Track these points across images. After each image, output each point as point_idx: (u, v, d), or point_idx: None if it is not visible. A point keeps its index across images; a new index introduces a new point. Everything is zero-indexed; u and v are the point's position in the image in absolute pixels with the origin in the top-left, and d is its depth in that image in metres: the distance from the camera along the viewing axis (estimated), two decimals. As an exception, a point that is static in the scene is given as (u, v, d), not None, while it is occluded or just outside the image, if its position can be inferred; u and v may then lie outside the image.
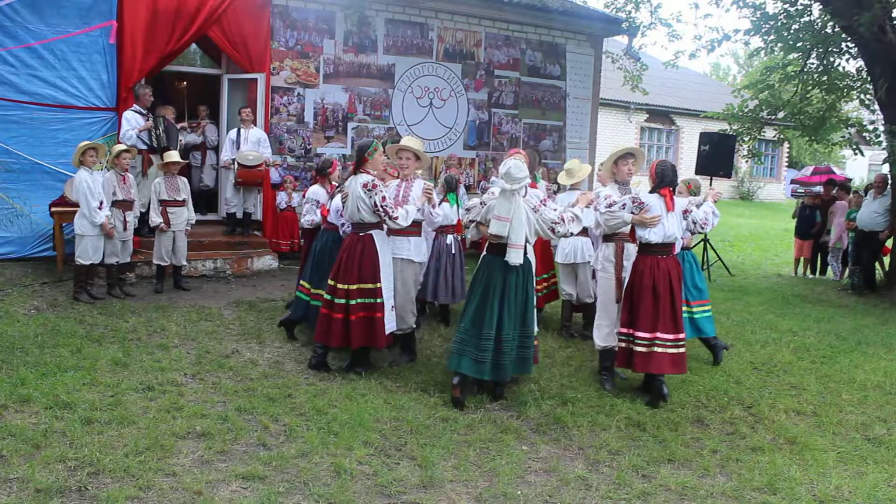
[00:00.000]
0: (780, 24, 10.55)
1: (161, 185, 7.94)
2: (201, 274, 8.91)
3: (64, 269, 8.10)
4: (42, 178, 8.52)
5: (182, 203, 8.04)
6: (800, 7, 10.79)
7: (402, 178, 5.86)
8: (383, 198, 5.36)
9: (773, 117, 12.09)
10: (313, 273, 6.36)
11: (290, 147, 10.38)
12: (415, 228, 5.84)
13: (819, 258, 11.92)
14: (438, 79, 11.51)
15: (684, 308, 5.70)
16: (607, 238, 5.81)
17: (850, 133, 12.46)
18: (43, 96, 8.43)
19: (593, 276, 6.63)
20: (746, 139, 12.38)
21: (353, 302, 5.44)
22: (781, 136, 15.59)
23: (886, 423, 5.23)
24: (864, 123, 11.88)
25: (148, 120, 8.69)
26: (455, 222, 7.14)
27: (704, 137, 12.63)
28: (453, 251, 7.11)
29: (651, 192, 5.38)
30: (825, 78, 11.18)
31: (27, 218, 8.54)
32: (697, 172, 12.27)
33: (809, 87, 11.53)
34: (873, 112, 11.64)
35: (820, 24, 10.81)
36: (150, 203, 8.06)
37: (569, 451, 4.52)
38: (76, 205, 7.41)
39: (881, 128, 10.67)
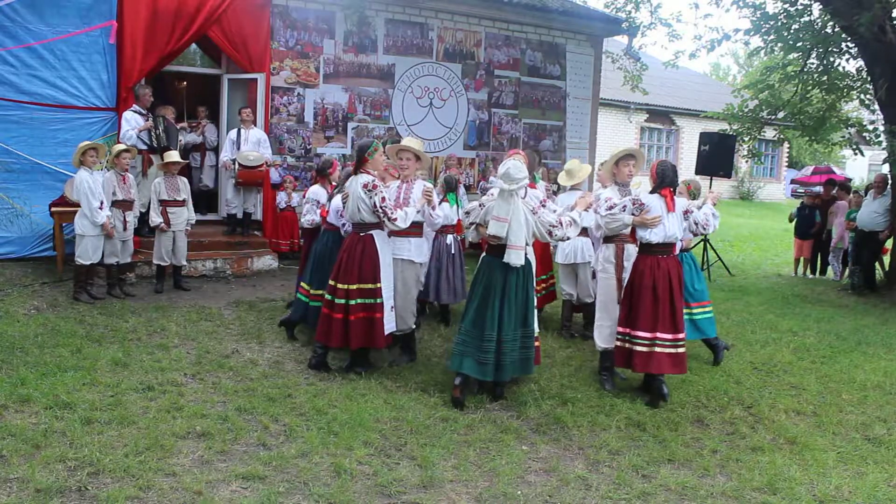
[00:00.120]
0: (780, 24, 10.55)
1: (161, 185, 7.94)
2: (201, 274, 8.91)
3: (64, 269, 8.10)
4: (42, 178, 8.52)
5: (182, 203, 8.04)
6: (800, 7, 10.79)
7: (403, 179, 5.85)
8: (383, 198, 5.36)
9: (773, 117, 12.09)
10: (313, 274, 6.36)
11: (290, 147, 10.39)
12: (416, 229, 5.84)
13: (819, 258, 11.92)
14: (438, 79, 11.51)
15: (684, 310, 5.70)
16: (607, 239, 5.81)
17: (850, 133, 12.46)
18: (43, 96, 8.43)
19: (593, 277, 6.63)
20: (746, 139, 12.38)
21: (352, 302, 5.44)
22: (781, 136, 15.59)
23: (886, 423, 5.23)
24: (864, 123, 11.88)
25: (148, 120, 8.69)
26: (455, 222, 7.15)
27: (704, 137, 12.63)
28: (453, 251, 7.12)
29: (651, 192, 5.38)
30: (825, 78, 11.18)
31: (27, 218, 8.54)
32: (697, 172, 12.27)
33: (809, 87, 11.53)
34: (873, 112, 11.64)
35: (820, 24, 10.81)
36: (150, 203, 8.06)
37: (569, 451, 4.52)
38: (76, 205, 7.41)
39: (881, 128, 10.67)
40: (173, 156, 8.10)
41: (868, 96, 11.25)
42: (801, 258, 11.98)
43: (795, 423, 5.18)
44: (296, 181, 10.11)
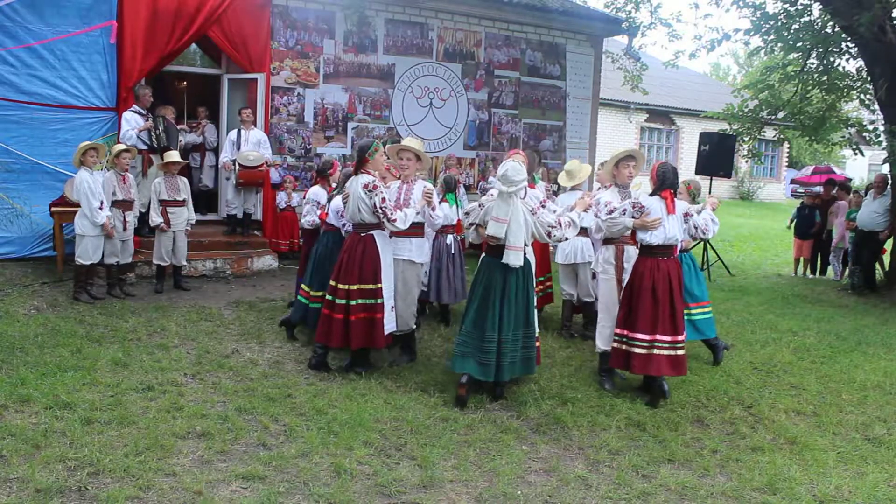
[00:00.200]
0: (780, 24, 10.55)
1: (161, 185, 7.94)
2: (201, 274, 8.91)
3: (64, 269, 8.10)
4: (42, 178, 8.52)
5: (182, 203, 8.04)
6: (800, 7, 10.79)
7: (403, 179, 5.85)
8: (383, 199, 5.36)
9: (773, 117, 12.09)
10: (313, 276, 6.36)
11: (290, 147, 10.39)
12: (417, 229, 5.83)
13: (819, 258, 11.92)
14: (438, 79, 11.51)
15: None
16: (607, 240, 5.81)
17: (850, 133, 12.46)
18: (43, 96, 8.43)
19: (593, 277, 6.63)
20: (746, 139, 12.38)
21: (353, 302, 5.44)
22: (781, 136, 15.59)
23: (886, 423, 5.23)
24: (864, 123, 11.88)
25: (148, 120, 8.69)
26: (455, 222, 7.15)
27: (704, 137, 12.64)
28: (453, 251, 7.12)
29: (652, 194, 5.38)
30: (825, 78, 11.18)
31: (27, 218, 8.54)
32: (697, 172, 12.28)
33: (809, 87, 11.53)
34: (873, 112, 11.64)
35: (820, 24, 10.81)
36: (150, 203, 8.06)
37: (569, 451, 4.52)
38: (76, 205, 7.41)
39: (881, 128, 10.67)
40: (173, 156, 8.10)
41: (868, 96, 11.25)
42: (801, 258, 11.99)
43: (795, 423, 5.18)
44: (296, 181, 10.11)
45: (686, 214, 5.40)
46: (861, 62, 10.96)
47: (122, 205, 7.61)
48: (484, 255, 5.36)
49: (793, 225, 12.09)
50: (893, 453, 4.73)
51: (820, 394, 5.82)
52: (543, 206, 5.28)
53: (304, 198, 7.38)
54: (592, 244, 6.64)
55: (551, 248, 7.57)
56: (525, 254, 5.17)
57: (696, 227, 5.43)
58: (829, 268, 11.79)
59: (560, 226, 5.19)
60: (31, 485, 3.63)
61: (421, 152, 5.90)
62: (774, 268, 12.82)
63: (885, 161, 10.83)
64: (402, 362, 5.93)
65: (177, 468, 3.92)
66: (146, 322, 6.74)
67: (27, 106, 8.36)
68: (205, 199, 10.71)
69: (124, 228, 7.62)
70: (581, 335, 7.01)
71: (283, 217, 10.00)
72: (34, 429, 4.25)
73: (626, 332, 5.35)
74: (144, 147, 8.65)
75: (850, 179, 20.88)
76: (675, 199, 5.38)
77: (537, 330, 5.54)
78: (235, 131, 9.56)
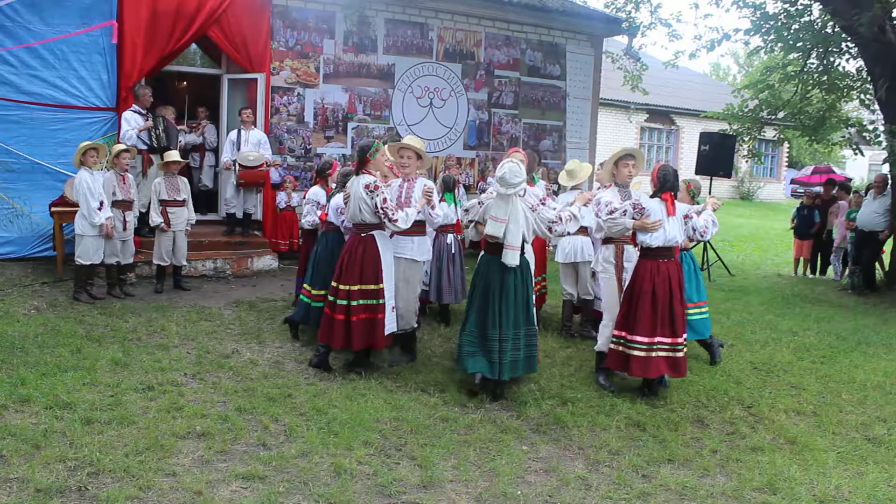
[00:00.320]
0: (780, 23, 10.56)
1: (161, 185, 7.94)
2: (201, 274, 8.91)
3: (64, 269, 8.10)
4: (42, 178, 8.52)
5: (182, 203, 8.04)
6: (800, 7, 10.80)
7: (404, 177, 5.84)
8: (384, 199, 5.36)
9: (773, 117, 12.09)
10: (314, 275, 6.37)
11: (290, 147, 10.39)
12: (418, 227, 5.83)
13: (819, 258, 11.92)
14: (438, 79, 11.51)
15: None
16: (607, 240, 5.82)
17: (850, 133, 12.46)
18: (43, 96, 8.43)
19: (593, 276, 6.63)
20: (746, 139, 12.38)
21: (354, 303, 5.44)
22: (781, 136, 15.60)
23: (886, 423, 5.23)
24: (864, 123, 11.88)
25: (148, 120, 8.69)
26: (454, 221, 7.15)
27: (704, 137, 12.64)
28: (453, 251, 7.12)
29: (652, 196, 5.38)
30: (825, 78, 11.19)
31: (27, 218, 8.54)
32: (697, 172, 12.28)
33: (809, 87, 11.54)
34: (873, 112, 11.65)
35: (820, 24, 10.81)
36: (150, 203, 8.06)
37: (569, 451, 4.52)
38: (76, 205, 7.41)
39: (881, 128, 10.68)
40: (173, 155, 8.10)
41: (868, 96, 11.26)
42: (801, 258, 11.99)
43: (795, 423, 5.18)
44: (296, 181, 10.11)
45: (686, 217, 5.40)
46: (861, 62, 10.96)
47: (122, 205, 7.60)
48: (483, 253, 5.36)
49: (795, 221, 12.09)
50: (893, 453, 4.73)
51: (820, 394, 5.82)
52: (543, 203, 5.28)
53: (304, 198, 7.38)
54: (592, 243, 6.64)
55: (550, 248, 7.57)
56: (523, 253, 5.18)
57: (694, 230, 5.42)
58: (830, 268, 11.79)
59: (561, 220, 5.19)
60: (31, 485, 3.63)
61: (422, 150, 5.89)
62: (774, 268, 12.82)
63: (885, 161, 10.84)
64: (402, 362, 5.93)
65: (177, 468, 3.92)
66: (146, 322, 6.74)
67: (27, 106, 8.36)
68: (205, 199, 10.71)
69: (124, 228, 7.62)
70: (581, 335, 7.01)
71: (283, 217, 10.00)
72: (34, 429, 4.25)
73: (624, 335, 5.35)
74: (144, 147, 8.65)
75: (850, 179, 20.89)
76: (676, 201, 5.38)
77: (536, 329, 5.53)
78: (235, 131, 9.56)
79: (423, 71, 11.35)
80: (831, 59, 11.19)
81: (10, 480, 3.67)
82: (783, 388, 5.91)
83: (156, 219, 7.88)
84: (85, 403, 4.66)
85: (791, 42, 10.73)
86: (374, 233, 5.51)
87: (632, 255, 5.63)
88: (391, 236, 5.71)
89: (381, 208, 5.33)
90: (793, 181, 28.36)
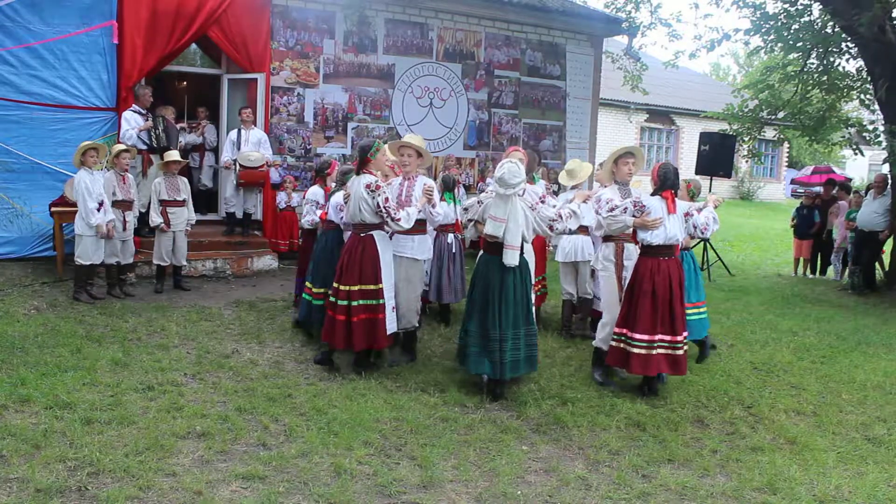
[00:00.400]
0: (780, 24, 10.56)
1: (161, 185, 7.94)
2: (201, 274, 8.91)
3: (64, 269, 8.10)
4: (42, 178, 8.52)
5: (182, 203, 8.04)
6: (800, 7, 10.80)
7: (405, 176, 5.84)
8: (386, 199, 5.36)
9: (773, 117, 12.09)
10: (314, 274, 6.38)
11: (290, 147, 10.39)
12: (419, 226, 5.83)
13: (819, 258, 11.92)
14: (438, 79, 11.51)
15: None
16: (607, 238, 5.82)
17: (850, 133, 12.46)
18: (43, 96, 8.44)
19: (592, 275, 6.63)
20: (746, 139, 12.39)
21: (354, 303, 5.44)
22: (781, 136, 15.60)
23: (886, 423, 5.23)
24: (864, 123, 11.89)
25: (148, 120, 8.69)
26: (454, 221, 7.14)
27: (704, 137, 12.64)
28: (454, 250, 7.12)
29: (653, 194, 5.38)
30: (825, 78, 11.19)
31: (27, 218, 8.54)
32: (697, 172, 12.28)
33: (809, 87, 11.54)
34: (873, 112, 11.65)
35: (820, 24, 10.81)
36: (150, 203, 8.06)
37: (569, 451, 4.52)
38: (76, 205, 7.40)
39: (881, 128, 10.68)
40: (173, 155, 8.10)
41: (868, 96, 11.26)
42: (801, 258, 11.99)
43: (795, 423, 5.17)
44: (296, 181, 10.11)
45: (687, 214, 5.40)
46: (861, 62, 10.96)
47: (122, 205, 7.60)
48: (482, 253, 5.36)
49: (793, 225, 12.09)
50: (893, 453, 4.73)
51: (820, 394, 5.82)
52: (543, 202, 5.28)
53: (304, 198, 7.38)
54: (592, 242, 6.64)
55: (551, 248, 7.56)
56: (522, 253, 5.17)
57: (695, 227, 5.42)
58: (830, 268, 11.79)
59: (561, 218, 5.19)
60: (31, 485, 3.63)
61: (422, 148, 5.88)
62: (774, 268, 12.83)
63: (885, 161, 10.84)
64: (402, 362, 5.92)
65: (177, 468, 3.92)
66: (146, 322, 6.74)
67: (27, 106, 8.36)
68: (204, 199, 10.71)
69: (124, 228, 7.62)
70: (582, 336, 7.01)
71: (282, 217, 10.00)
72: (34, 429, 4.25)
73: (625, 332, 5.36)
74: (144, 147, 8.65)
75: (850, 179, 20.89)
76: (676, 199, 5.39)
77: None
78: (235, 131, 9.56)
79: (423, 71, 11.35)
80: (831, 59, 11.20)
81: (10, 480, 3.67)
82: (783, 388, 5.91)
83: (156, 219, 7.88)
84: (85, 403, 4.66)
85: (791, 42, 10.73)
86: (374, 233, 5.50)
87: (632, 253, 5.63)
88: (391, 236, 5.71)
89: (384, 208, 5.33)
90: (793, 181, 28.37)
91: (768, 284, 10.82)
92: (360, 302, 5.44)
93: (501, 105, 12.15)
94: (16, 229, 8.51)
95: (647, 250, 5.35)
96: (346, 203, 5.75)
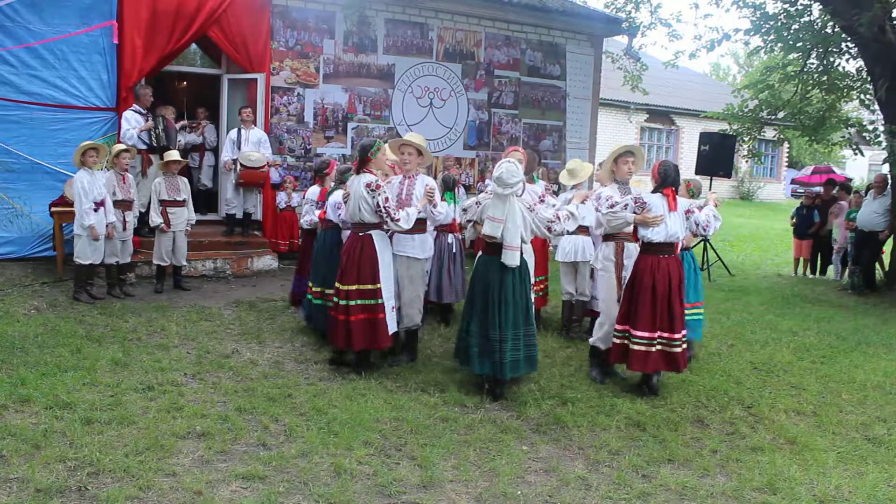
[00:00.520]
0: (780, 24, 10.56)
1: (161, 185, 7.94)
2: (201, 274, 8.91)
3: (64, 269, 8.10)
4: (42, 178, 8.53)
5: (182, 203, 8.04)
6: (800, 7, 10.80)
7: (405, 175, 5.84)
8: (386, 199, 5.36)
9: (773, 117, 12.10)
10: (315, 273, 6.39)
11: (290, 147, 10.39)
12: (419, 225, 5.83)
13: (819, 258, 11.92)
14: (438, 79, 11.51)
15: None
16: (607, 237, 5.82)
17: (850, 133, 12.46)
18: (43, 96, 8.44)
19: (591, 276, 6.62)
20: (746, 139, 12.39)
21: (352, 303, 5.44)
22: (781, 136, 15.60)
23: (886, 423, 5.23)
24: (864, 123, 11.89)
25: (148, 120, 8.69)
26: (452, 221, 7.14)
27: (704, 137, 12.64)
28: (454, 250, 7.12)
29: (653, 191, 5.38)
30: (825, 78, 11.19)
31: (27, 218, 8.54)
32: (697, 172, 12.28)
33: (809, 87, 11.54)
34: (873, 112, 11.65)
35: (820, 24, 10.81)
36: (149, 203, 8.06)
37: (569, 451, 4.52)
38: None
39: (881, 128, 10.68)
40: (173, 155, 8.10)
41: (868, 96, 11.26)
42: (801, 258, 11.99)
43: (795, 423, 5.17)
44: (296, 181, 10.11)
45: (688, 211, 5.40)
46: (861, 62, 10.96)
47: (122, 205, 7.60)
48: (481, 253, 5.36)
49: (793, 225, 12.09)
50: (893, 453, 4.73)
51: (820, 394, 5.82)
52: (542, 201, 5.27)
53: (304, 198, 7.38)
54: (593, 242, 6.63)
55: (550, 248, 7.56)
56: (521, 253, 5.17)
57: (697, 224, 5.42)
58: (830, 268, 11.79)
59: (559, 219, 5.19)
60: (31, 485, 3.63)
61: (423, 147, 5.87)
62: (774, 268, 12.83)
63: (885, 161, 10.84)
64: (402, 362, 5.92)
65: (177, 468, 3.92)
66: (146, 322, 6.74)
67: (27, 106, 8.36)
68: (204, 199, 10.71)
69: (124, 228, 7.62)
70: (581, 336, 7.01)
71: (282, 217, 10.00)
72: (34, 429, 4.25)
73: (627, 328, 5.37)
74: (144, 147, 8.65)
75: (850, 179, 20.88)
76: (677, 197, 5.38)
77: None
78: (235, 130, 9.56)
79: (423, 71, 11.35)
80: (831, 59, 11.20)
81: (10, 480, 3.67)
82: (783, 388, 5.91)
83: (156, 219, 7.88)
84: (85, 403, 4.66)
85: (791, 42, 10.74)
86: (372, 232, 5.50)
87: (632, 252, 5.63)
88: (391, 236, 5.71)
89: (384, 208, 5.33)
90: (793, 181, 28.37)
91: (768, 284, 10.82)
92: (358, 302, 5.44)
93: (501, 105, 12.15)
94: (16, 229, 8.51)
95: (648, 247, 5.35)
96: (345, 202, 5.75)
